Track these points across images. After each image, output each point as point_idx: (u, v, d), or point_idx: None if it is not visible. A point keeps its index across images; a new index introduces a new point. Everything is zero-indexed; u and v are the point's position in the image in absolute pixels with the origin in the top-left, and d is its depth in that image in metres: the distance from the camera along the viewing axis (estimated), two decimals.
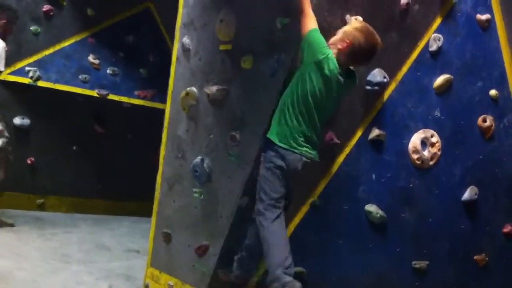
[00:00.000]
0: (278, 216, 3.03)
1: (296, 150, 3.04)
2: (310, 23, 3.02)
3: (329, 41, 3.10)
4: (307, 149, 3.08)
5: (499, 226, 4.08)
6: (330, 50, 3.04)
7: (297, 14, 3.07)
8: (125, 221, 6.69)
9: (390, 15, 3.50)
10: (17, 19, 5.55)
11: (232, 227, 3.44)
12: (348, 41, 3.05)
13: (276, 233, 3.02)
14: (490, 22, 3.94)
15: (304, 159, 3.06)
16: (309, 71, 3.01)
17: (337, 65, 3.03)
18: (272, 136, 3.09)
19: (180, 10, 4.09)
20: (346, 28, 3.14)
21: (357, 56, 3.09)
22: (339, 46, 3.07)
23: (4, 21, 5.18)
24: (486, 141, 3.97)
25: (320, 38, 3.02)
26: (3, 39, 5.23)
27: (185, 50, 3.98)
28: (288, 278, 2.88)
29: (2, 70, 5.22)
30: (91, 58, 6.59)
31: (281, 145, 3.04)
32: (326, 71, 2.99)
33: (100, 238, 5.63)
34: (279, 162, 3.04)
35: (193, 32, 3.93)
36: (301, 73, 3.05)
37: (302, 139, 3.05)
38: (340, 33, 3.12)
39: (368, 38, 3.06)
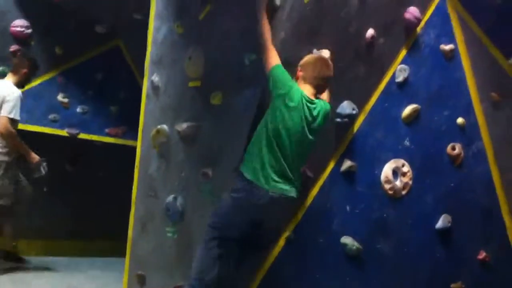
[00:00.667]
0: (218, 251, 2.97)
1: (265, 186, 2.97)
2: (272, 59, 3.06)
3: None
4: (280, 185, 3.01)
5: (474, 253, 4.10)
6: (294, 83, 3.07)
7: (260, 51, 3.11)
8: (98, 262, 6.52)
9: (356, 48, 3.56)
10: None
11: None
12: (300, 69, 3.14)
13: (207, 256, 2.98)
14: (454, 52, 4.03)
15: (274, 195, 2.99)
16: (278, 105, 3.02)
17: (304, 95, 3.05)
18: (244, 169, 3.05)
19: (149, 47, 4.10)
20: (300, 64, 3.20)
21: (312, 81, 3.12)
22: (296, 76, 3.15)
23: (25, 70, 5.20)
24: (456, 168, 4.02)
25: (283, 73, 3.05)
26: (22, 87, 5.24)
27: (154, 87, 3.97)
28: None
29: (18, 119, 5.20)
30: (60, 97, 6.51)
31: (251, 179, 2.99)
32: (291, 103, 2.99)
33: (72, 282, 5.48)
34: (246, 196, 2.98)
35: (162, 70, 3.93)
36: (271, 107, 3.06)
37: (274, 174, 3.01)
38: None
39: (317, 64, 3.13)
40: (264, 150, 3.00)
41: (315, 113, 3.10)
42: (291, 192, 3.05)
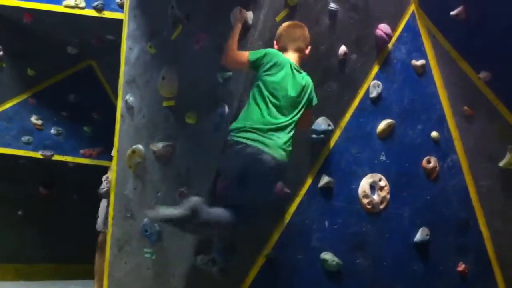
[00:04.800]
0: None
1: (268, 150, 2.92)
2: (242, 54, 3.11)
3: None
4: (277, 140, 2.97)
5: (453, 265, 4.12)
6: (276, 51, 3.14)
7: (227, 59, 3.14)
8: (72, 285, 6.43)
9: (328, 65, 3.59)
10: None
11: (186, 286, 3.33)
12: (276, 42, 3.22)
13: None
14: (425, 67, 4.09)
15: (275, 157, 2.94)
16: (267, 76, 3.03)
17: (291, 63, 3.10)
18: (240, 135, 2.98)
19: (122, 67, 4.08)
20: None
21: (289, 45, 3.17)
22: (275, 47, 3.20)
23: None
24: (432, 182, 4.05)
25: (259, 52, 3.10)
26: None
27: (128, 107, 3.94)
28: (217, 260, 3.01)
29: (102, 230, 5.14)
30: (33, 119, 6.45)
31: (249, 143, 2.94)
32: (279, 68, 3.03)
33: None
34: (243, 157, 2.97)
35: (135, 90, 3.91)
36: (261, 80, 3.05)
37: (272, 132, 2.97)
38: None
39: (288, 27, 3.23)
40: (260, 111, 2.99)
41: (303, 82, 3.12)
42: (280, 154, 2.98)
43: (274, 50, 3.16)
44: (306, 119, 3.25)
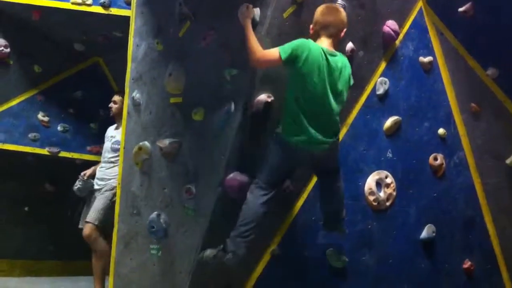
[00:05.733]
0: (265, 194, 3.08)
1: (309, 147, 3.05)
2: (271, 52, 3.05)
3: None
4: (324, 144, 3.08)
5: (458, 262, 4.11)
6: (306, 44, 3.07)
7: (257, 60, 3.06)
8: (81, 281, 6.44)
9: None
10: None
11: (192, 282, 3.35)
12: (312, 26, 3.22)
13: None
14: (432, 64, 4.07)
15: (317, 152, 3.10)
16: (301, 74, 3.03)
17: (322, 49, 3.08)
18: (285, 134, 3.10)
19: (129, 65, 4.09)
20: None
21: (326, 28, 3.17)
22: (310, 32, 3.22)
23: None
24: (438, 179, 4.04)
25: (290, 48, 3.03)
26: None
27: (135, 104, 3.95)
28: (232, 248, 3.01)
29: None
30: (40, 115, 6.45)
31: (293, 142, 3.05)
32: (309, 65, 3.02)
33: None
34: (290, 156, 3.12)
35: (142, 87, 3.92)
36: (296, 80, 3.06)
37: (317, 132, 3.05)
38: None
39: (325, 11, 3.21)
40: (297, 110, 3.03)
41: (339, 64, 3.12)
42: (332, 139, 3.11)
43: (302, 41, 3.08)
44: None
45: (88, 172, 5.45)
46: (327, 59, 3.08)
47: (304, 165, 3.27)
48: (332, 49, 3.16)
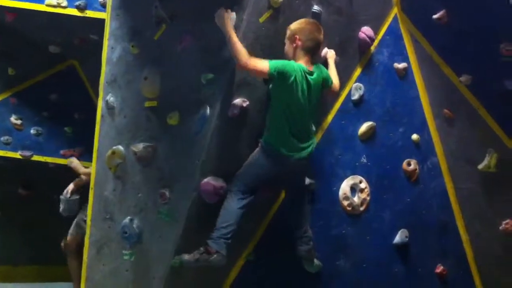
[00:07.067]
0: (244, 198, 3.19)
1: (290, 154, 3.20)
2: (261, 62, 3.11)
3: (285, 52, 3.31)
4: (303, 151, 3.26)
5: (431, 267, 4.14)
6: (291, 66, 3.16)
7: (246, 66, 3.08)
8: (58, 287, 6.36)
9: None
10: None
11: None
12: (297, 37, 3.26)
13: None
14: (407, 70, 4.11)
15: (298, 159, 3.25)
16: (283, 89, 3.16)
17: (302, 69, 3.19)
18: (268, 140, 3.24)
19: (103, 68, 4.04)
20: (290, 28, 3.31)
21: (308, 45, 3.27)
22: (296, 44, 3.26)
23: None
24: (412, 184, 4.07)
25: (281, 65, 3.13)
26: None
27: (109, 108, 3.91)
28: (216, 248, 3.06)
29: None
30: (13, 118, 6.37)
31: (277, 149, 3.20)
32: (294, 84, 3.14)
33: None
34: (272, 163, 3.24)
35: (117, 90, 3.88)
36: (277, 91, 3.20)
37: (297, 141, 3.23)
38: (286, 38, 3.31)
39: (311, 27, 3.31)
40: (283, 124, 3.18)
41: (315, 80, 3.27)
42: (310, 147, 3.30)
43: (289, 63, 3.18)
44: (332, 94, 3.62)
45: (70, 188, 5.23)
46: (306, 78, 3.21)
47: (284, 173, 3.31)
48: (309, 66, 3.27)
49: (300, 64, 3.23)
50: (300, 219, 3.42)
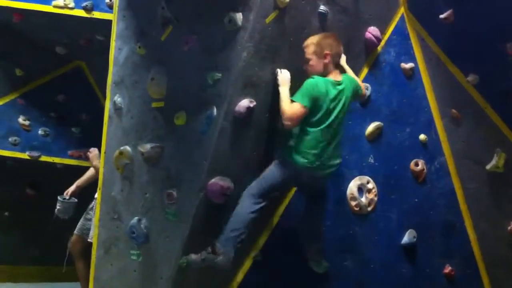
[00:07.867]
0: (257, 203, 3.17)
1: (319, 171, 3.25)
2: (294, 108, 3.15)
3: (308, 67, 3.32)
4: (334, 164, 3.31)
5: (439, 267, 4.13)
6: (318, 89, 3.19)
7: (287, 119, 3.14)
8: (63, 287, 6.38)
9: None
10: None
11: None
12: (327, 52, 3.28)
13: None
14: (414, 70, 4.11)
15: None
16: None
17: (329, 82, 3.23)
18: (295, 157, 3.22)
19: (111, 68, 4.05)
20: (314, 42, 3.31)
21: (338, 59, 3.38)
22: (327, 59, 3.28)
23: None
24: (419, 184, 4.06)
25: (305, 92, 3.17)
26: None
27: (117, 108, 3.92)
28: (222, 250, 3.06)
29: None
30: (21, 119, 6.40)
31: (305, 165, 3.20)
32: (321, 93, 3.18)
33: None
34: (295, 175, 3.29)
35: (124, 91, 3.89)
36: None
37: (328, 158, 3.24)
38: (312, 53, 3.30)
39: (334, 41, 3.35)
40: (317, 138, 3.19)
41: (342, 91, 3.28)
42: (335, 166, 3.34)
43: (311, 83, 3.20)
44: (363, 99, 3.74)
45: (71, 189, 5.18)
46: (336, 89, 3.24)
47: (303, 184, 3.38)
48: (338, 77, 3.31)
49: (327, 78, 3.26)
50: (316, 230, 3.43)
